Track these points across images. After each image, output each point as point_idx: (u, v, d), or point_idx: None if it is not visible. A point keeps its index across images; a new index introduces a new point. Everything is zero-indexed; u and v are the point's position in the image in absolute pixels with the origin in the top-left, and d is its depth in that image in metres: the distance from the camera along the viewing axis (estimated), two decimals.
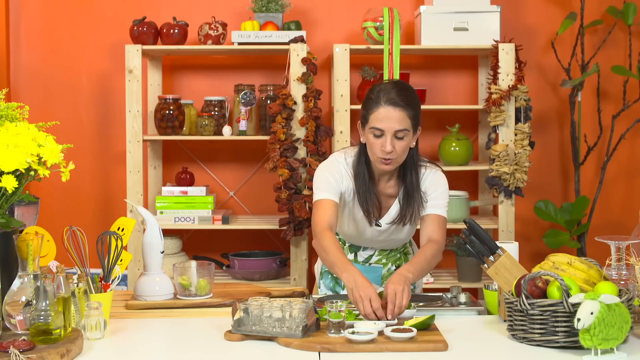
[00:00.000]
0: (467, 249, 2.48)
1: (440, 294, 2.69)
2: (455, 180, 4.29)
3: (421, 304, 2.58)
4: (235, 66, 4.46)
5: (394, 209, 2.78)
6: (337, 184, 2.73)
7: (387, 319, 2.37)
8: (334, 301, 2.29)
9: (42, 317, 2.06)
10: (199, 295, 2.68)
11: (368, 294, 2.39)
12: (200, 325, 2.43)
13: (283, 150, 3.97)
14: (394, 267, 2.93)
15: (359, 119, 2.74)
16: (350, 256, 2.94)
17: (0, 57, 4.34)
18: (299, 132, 4.02)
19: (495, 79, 4.05)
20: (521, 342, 2.21)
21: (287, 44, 4.05)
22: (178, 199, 4.13)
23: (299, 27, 4.16)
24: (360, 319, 2.37)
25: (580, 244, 4.29)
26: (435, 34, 4.08)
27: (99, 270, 2.49)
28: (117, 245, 2.49)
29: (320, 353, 2.14)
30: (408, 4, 4.40)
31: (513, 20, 4.40)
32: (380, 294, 2.44)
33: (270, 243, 4.45)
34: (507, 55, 4.02)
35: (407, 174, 2.73)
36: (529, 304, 2.16)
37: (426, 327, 2.29)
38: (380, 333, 2.23)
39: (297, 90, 4.02)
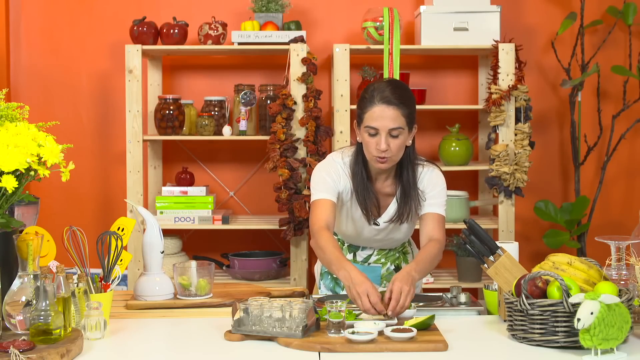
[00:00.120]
0: (467, 249, 2.48)
1: (440, 294, 2.69)
2: (455, 180, 4.29)
3: (421, 304, 2.58)
4: (235, 66, 4.46)
5: (392, 208, 2.78)
6: (334, 184, 2.74)
7: (387, 314, 2.37)
8: (334, 301, 2.29)
9: (42, 317, 2.06)
10: (199, 295, 2.68)
11: (365, 289, 2.39)
12: (200, 325, 2.43)
13: (283, 150, 3.97)
14: (392, 267, 2.93)
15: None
16: (349, 256, 2.94)
17: (0, 57, 4.34)
18: (299, 132, 4.02)
19: (495, 79, 4.05)
20: (521, 342, 2.21)
21: (287, 44, 4.05)
22: (178, 199, 4.13)
23: (299, 27, 4.16)
24: (361, 319, 2.37)
25: (580, 244, 4.30)
26: (435, 34, 4.08)
27: (99, 270, 2.49)
28: (117, 245, 2.49)
29: (320, 353, 2.14)
30: (408, 4, 4.40)
31: (513, 20, 4.40)
32: (382, 294, 2.44)
33: (270, 243, 4.45)
34: (507, 55, 4.02)
35: (404, 172, 2.74)
36: (529, 304, 2.16)
37: (426, 327, 2.29)
38: (380, 333, 2.23)
39: (297, 90, 4.02)
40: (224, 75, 4.45)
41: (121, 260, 2.52)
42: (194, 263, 2.72)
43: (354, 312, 2.43)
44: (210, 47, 4.09)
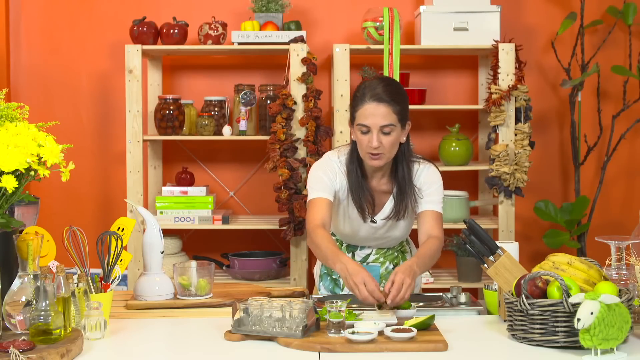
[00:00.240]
0: (467, 249, 2.48)
1: (440, 294, 2.69)
2: (455, 180, 4.30)
3: (421, 304, 2.58)
4: (235, 66, 4.46)
5: (389, 205, 2.79)
6: (330, 183, 2.74)
7: (386, 304, 2.37)
8: (334, 301, 2.29)
9: (42, 317, 2.06)
10: (199, 295, 2.68)
11: (362, 278, 2.41)
12: (200, 325, 2.43)
13: (283, 150, 3.98)
14: (391, 266, 2.93)
15: None
16: (348, 256, 2.93)
17: (0, 57, 4.34)
18: (299, 132, 4.02)
19: (495, 79, 4.05)
20: (521, 342, 2.21)
21: (287, 44, 4.05)
22: (178, 199, 4.13)
23: (299, 27, 4.16)
24: (361, 319, 2.37)
25: (580, 244, 4.29)
26: (435, 34, 4.08)
27: (99, 270, 2.49)
28: (117, 245, 2.49)
29: (320, 353, 2.14)
30: (408, 4, 4.40)
31: (513, 20, 4.40)
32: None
33: (270, 243, 4.45)
34: (507, 55, 4.02)
35: (399, 169, 2.75)
36: (529, 304, 2.16)
37: (426, 327, 2.29)
38: (380, 333, 2.23)
39: (297, 90, 4.02)
40: (224, 75, 4.45)
41: (121, 260, 2.52)
42: (194, 263, 2.72)
43: (354, 312, 2.43)
44: (210, 47, 4.09)
